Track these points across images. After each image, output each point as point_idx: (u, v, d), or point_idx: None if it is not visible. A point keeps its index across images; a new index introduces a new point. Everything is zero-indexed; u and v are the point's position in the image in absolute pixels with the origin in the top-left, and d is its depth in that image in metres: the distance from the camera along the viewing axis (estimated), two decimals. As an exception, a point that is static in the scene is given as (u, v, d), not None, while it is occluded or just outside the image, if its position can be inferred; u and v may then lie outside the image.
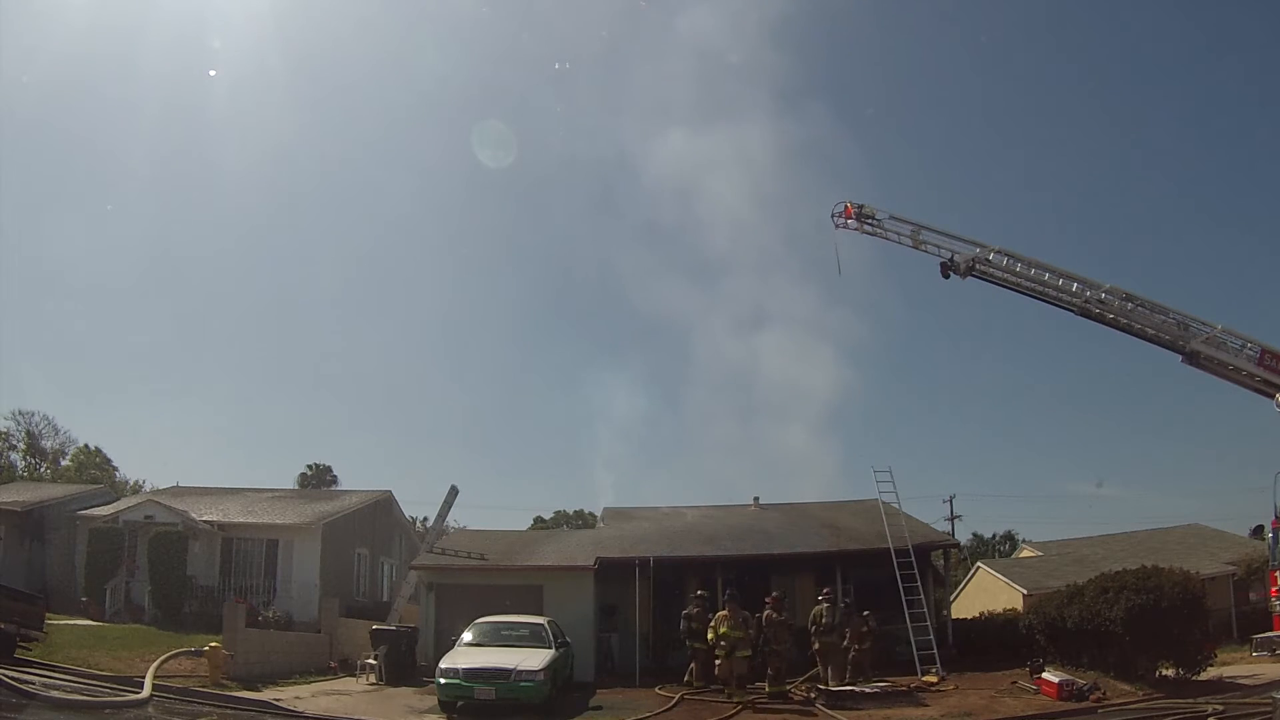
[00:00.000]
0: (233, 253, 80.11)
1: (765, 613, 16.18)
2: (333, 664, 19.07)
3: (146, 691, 11.77)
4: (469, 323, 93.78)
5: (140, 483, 46.10)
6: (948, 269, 17.94)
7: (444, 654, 14.90)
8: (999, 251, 17.71)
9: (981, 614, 23.76)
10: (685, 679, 16.89)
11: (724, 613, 15.37)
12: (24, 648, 12.67)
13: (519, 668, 13.64)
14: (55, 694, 10.65)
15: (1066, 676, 14.71)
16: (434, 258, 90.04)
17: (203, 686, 13.68)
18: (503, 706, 13.41)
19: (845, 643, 16.76)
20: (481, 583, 20.69)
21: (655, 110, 77.67)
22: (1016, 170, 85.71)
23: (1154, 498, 77.28)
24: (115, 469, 48.28)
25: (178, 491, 29.87)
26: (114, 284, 74.78)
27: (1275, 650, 17.22)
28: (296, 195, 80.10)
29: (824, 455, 64.86)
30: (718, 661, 14.92)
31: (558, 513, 60.21)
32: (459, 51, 72.92)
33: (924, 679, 16.95)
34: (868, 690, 15.37)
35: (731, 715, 13.95)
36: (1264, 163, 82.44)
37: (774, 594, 16.93)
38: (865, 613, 17.72)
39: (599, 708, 15.15)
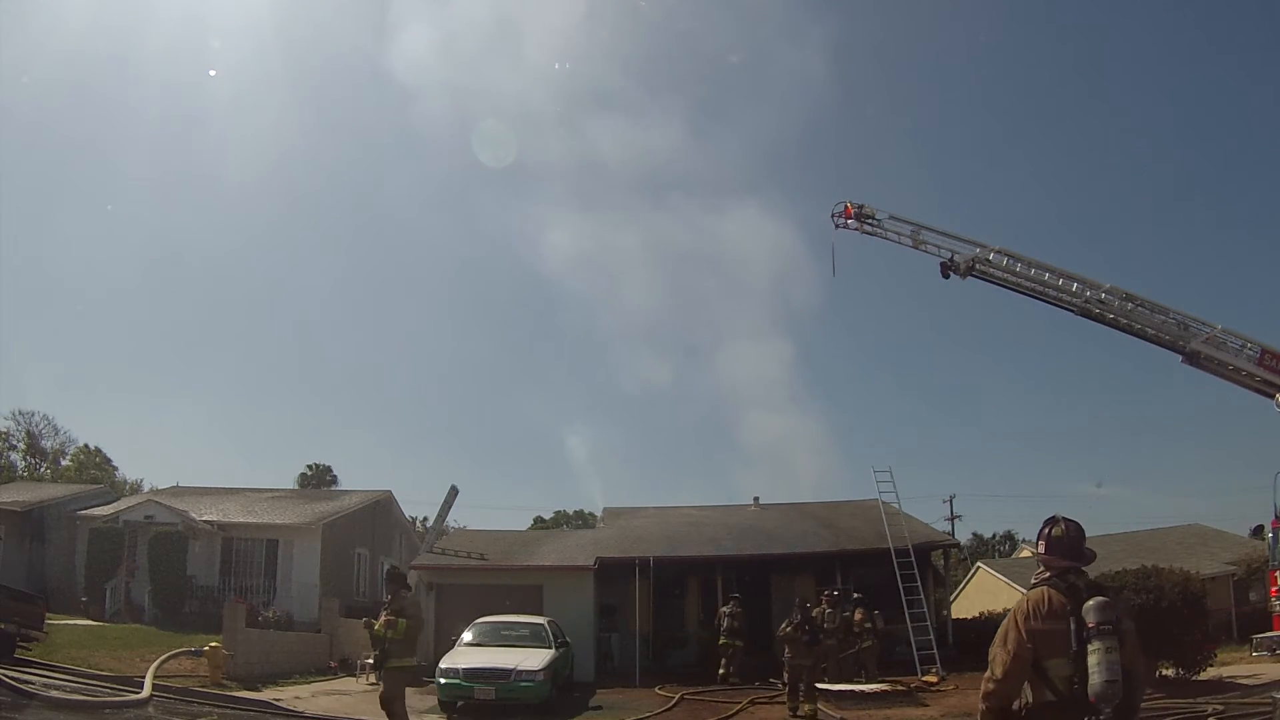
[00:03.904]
0: (233, 252, 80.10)
1: (787, 623, 14.25)
2: (333, 664, 19.06)
3: (146, 691, 11.78)
4: (469, 322, 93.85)
5: (140, 483, 46.15)
6: (948, 269, 17.92)
7: (444, 654, 14.91)
8: (999, 251, 17.69)
9: (981, 614, 23.79)
10: (720, 674, 17.81)
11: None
12: (24, 648, 12.68)
13: (519, 668, 13.66)
14: (55, 694, 10.67)
15: (1066, 676, 14.70)
16: (434, 257, 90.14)
17: (203, 686, 13.68)
18: (503, 706, 13.43)
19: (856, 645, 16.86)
20: (481, 583, 20.70)
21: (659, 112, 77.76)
22: (1017, 170, 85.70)
23: (1154, 498, 77.50)
24: (115, 469, 48.34)
25: (178, 491, 29.87)
26: (114, 284, 74.77)
27: (1275, 650, 17.21)
28: (297, 194, 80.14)
29: (822, 454, 64.96)
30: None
31: (558, 513, 60.29)
32: (459, 52, 72.91)
33: (924, 679, 16.96)
34: (868, 690, 15.37)
35: (732, 715, 13.96)
36: (1265, 162, 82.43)
37: (798, 600, 15.06)
38: (875, 611, 17.72)
39: (599, 708, 15.16)
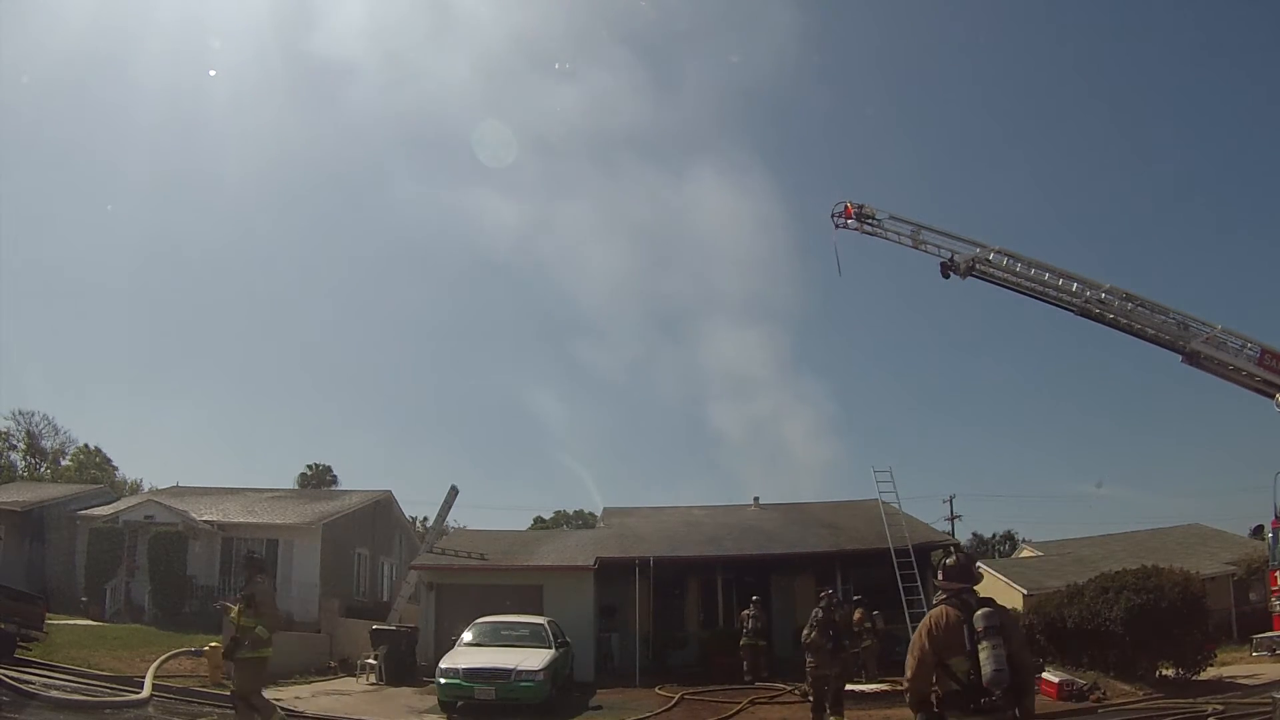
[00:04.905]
0: (233, 252, 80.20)
1: (810, 628, 12.63)
2: (333, 664, 19.07)
3: (146, 691, 11.80)
4: (469, 322, 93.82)
5: (140, 483, 46.13)
6: (948, 269, 17.93)
7: (444, 654, 14.91)
8: (999, 251, 17.69)
9: (982, 614, 23.70)
10: (746, 677, 17.94)
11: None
12: (24, 648, 12.69)
13: (519, 668, 13.65)
14: (55, 694, 10.70)
15: (1066, 676, 14.71)
16: (433, 257, 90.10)
17: (203, 686, 13.70)
18: (503, 706, 13.42)
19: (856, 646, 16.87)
20: (481, 583, 20.70)
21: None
22: (1017, 170, 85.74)
23: (1154, 498, 77.41)
24: (115, 469, 48.30)
25: (178, 491, 29.85)
26: (114, 284, 74.83)
27: (1275, 650, 17.22)
28: (296, 195, 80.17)
29: (824, 456, 64.97)
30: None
31: (558, 513, 60.32)
32: (458, 50, 72.94)
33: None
34: (868, 690, 15.37)
35: (731, 715, 13.96)
36: (1265, 162, 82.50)
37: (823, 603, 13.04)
38: (875, 611, 17.73)
39: (599, 708, 15.16)
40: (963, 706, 4.48)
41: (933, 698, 4.63)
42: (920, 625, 4.78)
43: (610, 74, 72.87)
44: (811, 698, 12.04)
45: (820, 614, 11.97)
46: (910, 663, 4.71)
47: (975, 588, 4.87)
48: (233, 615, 9.26)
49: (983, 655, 4.39)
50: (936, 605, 4.81)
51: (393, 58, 73.74)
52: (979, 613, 4.55)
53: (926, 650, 4.60)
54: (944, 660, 4.54)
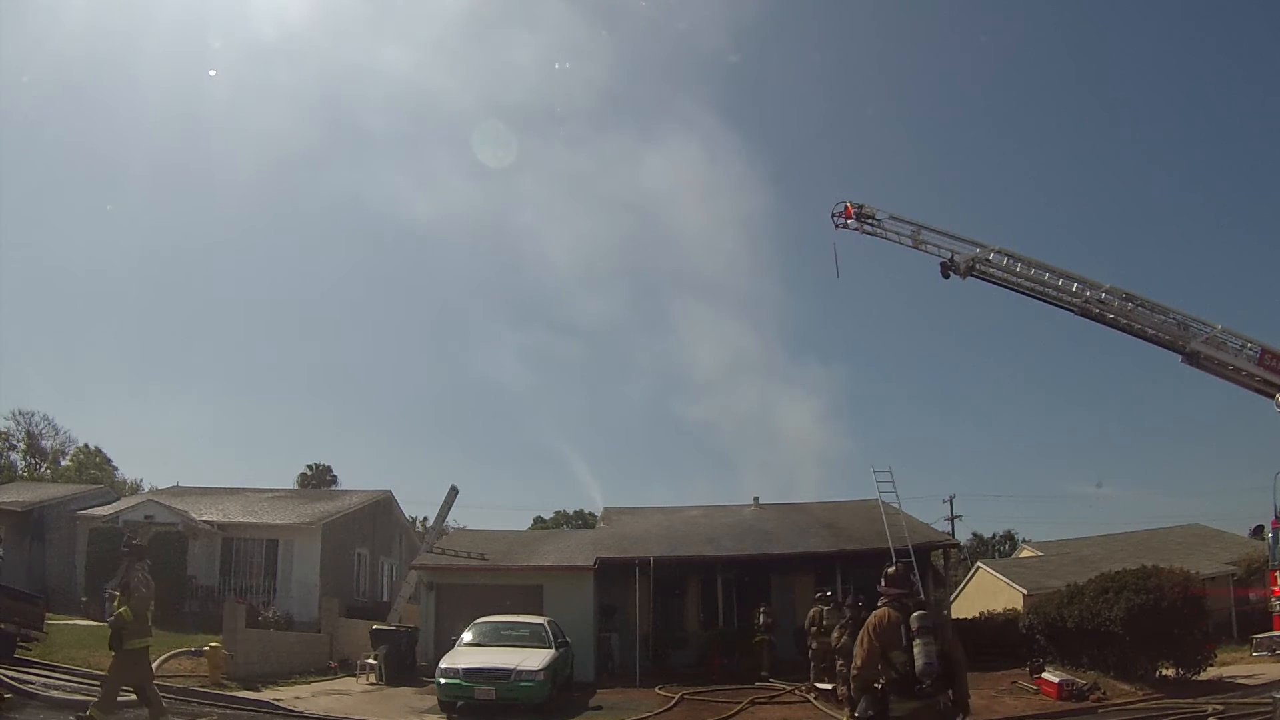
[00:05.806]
0: (233, 252, 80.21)
1: (840, 631, 12.96)
2: (333, 664, 19.05)
3: (146, 691, 11.76)
4: (469, 322, 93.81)
5: (140, 483, 46.13)
6: (948, 269, 17.94)
7: (444, 654, 14.89)
8: (999, 251, 17.70)
9: (981, 614, 23.71)
10: (761, 672, 18.37)
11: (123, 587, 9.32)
12: (24, 648, 12.69)
13: (519, 668, 13.64)
14: (55, 694, 10.71)
15: (1066, 676, 14.71)
16: (433, 257, 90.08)
17: (203, 686, 13.69)
18: (503, 706, 13.41)
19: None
20: (481, 583, 20.70)
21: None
22: (1017, 170, 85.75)
23: (1154, 498, 77.42)
24: (115, 469, 48.28)
25: (178, 491, 29.84)
26: (113, 284, 74.82)
27: (1275, 650, 17.22)
28: (296, 194, 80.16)
29: (824, 455, 64.96)
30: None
31: (558, 513, 60.23)
32: (458, 52, 72.94)
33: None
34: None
35: (731, 715, 13.96)
36: (1265, 162, 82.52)
37: (849, 600, 13.36)
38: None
39: (599, 708, 15.16)
40: (901, 692, 5.24)
41: (876, 685, 5.40)
42: (866, 623, 5.58)
43: (591, 55, 72.90)
44: (850, 700, 12.02)
45: (848, 614, 12.28)
46: (859, 653, 5.50)
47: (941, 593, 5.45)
48: (116, 604, 9.11)
49: (916, 650, 5.15)
50: (880, 608, 5.57)
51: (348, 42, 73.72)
52: (915, 614, 5.29)
53: (874, 643, 5.40)
54: (885, 653, 5.32)
